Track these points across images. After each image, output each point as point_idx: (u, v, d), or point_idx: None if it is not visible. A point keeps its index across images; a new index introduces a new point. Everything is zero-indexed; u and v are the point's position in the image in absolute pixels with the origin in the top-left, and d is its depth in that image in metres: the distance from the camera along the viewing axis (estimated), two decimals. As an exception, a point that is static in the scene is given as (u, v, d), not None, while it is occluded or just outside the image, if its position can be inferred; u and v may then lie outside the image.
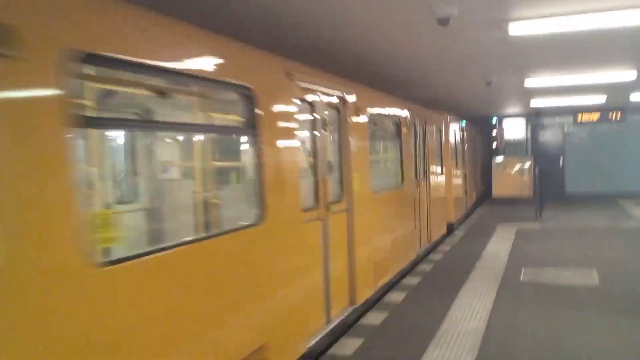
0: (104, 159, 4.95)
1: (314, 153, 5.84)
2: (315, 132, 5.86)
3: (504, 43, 7.00)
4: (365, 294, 6.92)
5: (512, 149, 20.78)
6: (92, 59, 2.82)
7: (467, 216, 15.89)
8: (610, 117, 18.91)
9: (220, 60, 3.98)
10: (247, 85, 4.23)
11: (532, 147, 21.02)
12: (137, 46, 3.17)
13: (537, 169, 15.39)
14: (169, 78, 3.72)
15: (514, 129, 21.56)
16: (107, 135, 5.18)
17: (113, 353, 2.81)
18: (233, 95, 4.34)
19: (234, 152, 5.78)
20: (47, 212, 2.49)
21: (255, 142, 4.36)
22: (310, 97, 5.71)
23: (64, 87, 2.57)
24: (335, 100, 6.35)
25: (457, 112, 16.76)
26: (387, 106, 8.71)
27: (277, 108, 4.78)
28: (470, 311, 6.65)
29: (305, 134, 5.74)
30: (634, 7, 5.48)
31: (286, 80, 5.03)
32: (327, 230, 5.89)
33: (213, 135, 5.24)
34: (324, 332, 5.69)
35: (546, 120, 20.92)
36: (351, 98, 6.67)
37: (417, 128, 10.58)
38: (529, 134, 21.25)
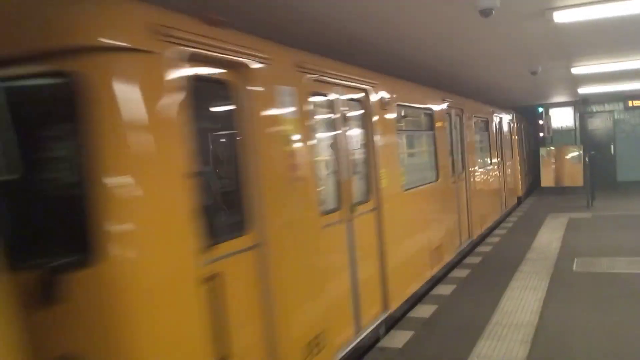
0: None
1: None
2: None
3: (548, 32, 6.91)
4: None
5: (561, 138, 20.28)
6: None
7: (513, 209, 15.65)
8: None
9: None
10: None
11: (581, 135, 20.49)
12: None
13: (587, 157, 15.04)
14: None
15: (562, 117, 21.05)
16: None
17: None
18: None
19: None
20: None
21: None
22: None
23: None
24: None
25: (503, 103, 16.55)
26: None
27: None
28: (522, 303, 6.62)
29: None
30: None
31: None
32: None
33: None
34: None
35: (595, 108, 20.36)
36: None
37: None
38: (577, 122, 20.73)
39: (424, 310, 6.66)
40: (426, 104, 8.54)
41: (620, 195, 16.82)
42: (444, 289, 7.57)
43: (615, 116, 20.26)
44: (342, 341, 5.07)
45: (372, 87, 6.24)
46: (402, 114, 7.59)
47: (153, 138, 2.98)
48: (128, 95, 2.88)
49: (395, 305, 6.34)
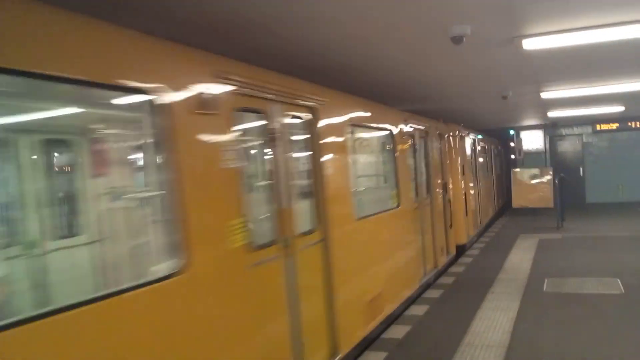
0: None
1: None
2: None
3: (517, 58, 7.13)
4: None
5: (532, 160, 20.73)
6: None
7: (486, 229, 15.87)
8: (629, 125, 18.84)
9: None
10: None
11: (551, 158, 20.97)
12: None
13: (557, 179, 15.37)
14: None
15: (533, 139, 21.54)
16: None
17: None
18: None
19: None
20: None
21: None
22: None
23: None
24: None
25: (475, 125, 16.85)
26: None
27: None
28: (493, 324, 6.71)
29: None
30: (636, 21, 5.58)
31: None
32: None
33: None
34: None
35: (564, 131, 20.90)
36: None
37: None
38: (547, 145, 21.21)
39: (397, 331, 6.71)
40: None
41: (589, 217, 17.18)
42: (417, 310, 7.63)
43: (584, 139, 20.81)
44: None
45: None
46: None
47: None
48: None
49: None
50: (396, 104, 9.62)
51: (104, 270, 4.42)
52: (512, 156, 21.45)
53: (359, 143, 7.53)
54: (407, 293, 7.88)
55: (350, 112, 6.44)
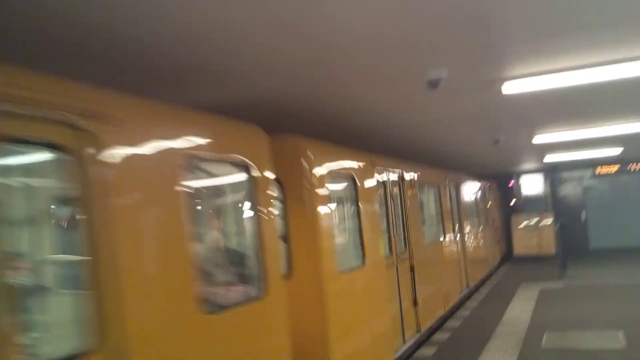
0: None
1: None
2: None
3: (501, 102, 6.87)
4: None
5: (532, 205, 20.34)
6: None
7: (486, 279, 15.34)
8: (629, 168, 18.52)
9: None
10: None
11: (552, 202, 20.56)
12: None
13: (558, 225, 14.95)
14: None
15: (533, 184, 21.21)
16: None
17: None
18: None
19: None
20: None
21: None
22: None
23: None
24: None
25: (472, 171, 16.58)
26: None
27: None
28: (487, 385, 6.23)
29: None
30: (626, 60, 5.34)
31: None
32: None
33: None
34: None
35: (564, 174, 20.54)
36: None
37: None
38: (548, 189, 20.85)
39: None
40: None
41: (593, 264, 16.66)
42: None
43: (585, 183, 20.46)
44: None
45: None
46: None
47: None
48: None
49: None
50: (384, 150, 9.30)
51: None
52: (512, 201, 21.11)
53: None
54: None
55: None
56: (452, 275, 11.41)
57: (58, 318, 3.38)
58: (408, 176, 9.25)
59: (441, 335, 8.94)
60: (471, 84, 5.98)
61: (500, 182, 21.21)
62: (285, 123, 5.87)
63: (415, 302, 8.42)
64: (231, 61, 4.50)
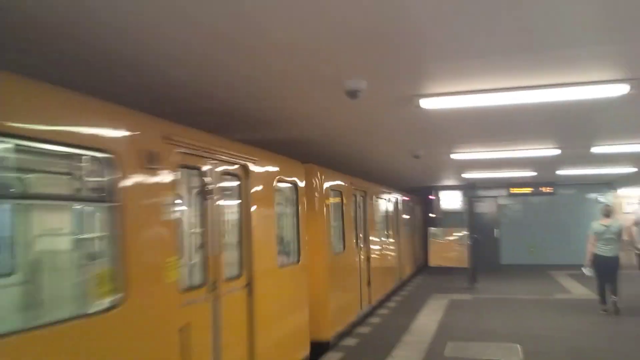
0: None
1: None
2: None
3: (420, 117, 7.09)
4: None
5: (450, 220, 21.02)
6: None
7: (401, 287, 15.70)
8: (541, 190, 19.49)
9: None
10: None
11: (469, 218, 21.32)
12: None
13: (471, 240, 15.54)
14: None
15: (452, 199, 21.92)
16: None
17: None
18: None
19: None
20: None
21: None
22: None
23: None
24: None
25: (396, 184, 16.96)
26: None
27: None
28: (387, 391, 6.37)
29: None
30: (545, 86, 5.63)
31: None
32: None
33: None
34: None
35: (481, 192, 21.40)
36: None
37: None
38: (465, 205, 21.61)
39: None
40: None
41: (502, 278, 17.43)
42: (312, 375, 7.20)
43: (499, 201, 21.37)
44: None
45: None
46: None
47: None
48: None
49: None
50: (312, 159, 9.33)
51: None
52: (431, 215, 21.73)
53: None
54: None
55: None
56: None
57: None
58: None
59: (350, 341, 9.06)
60: (390, 98, 6.13)
61: (421, 195, 21.80)
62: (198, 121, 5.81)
63: None
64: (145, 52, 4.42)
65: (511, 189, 19.75)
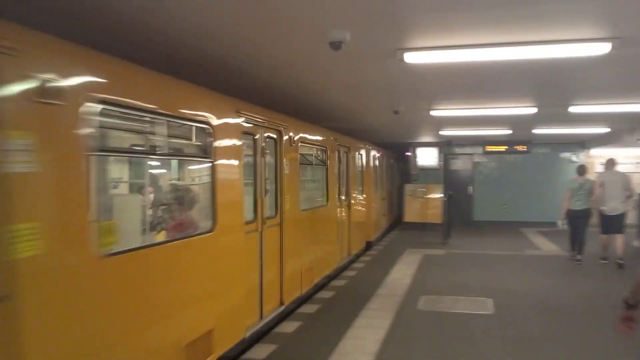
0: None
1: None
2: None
3: (402, 72, 7.01)
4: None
5: (427, 176, 21.19)
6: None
7: (383, 236, 16.00)
8: (516, 148, 19.70)
9: None
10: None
11: (445, 175, 21.54)
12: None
13: (445, 196, 15.71)
14: None
15: (429, 156, 22.01)
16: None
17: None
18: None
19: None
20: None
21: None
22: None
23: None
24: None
25: (374, 140, 16.94)
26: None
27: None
28: (362, 343, 6.48)
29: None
30: (527, 43, 5.58)
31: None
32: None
33: None
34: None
35: (457, 150, 21.54)
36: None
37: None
38: (441, 162, 21.78)
39: (261, 351, 6.31)
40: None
41: (475, 234, 17.74)
42: (288, 326, 7.29)
43: (475, 159, 21.55)
44: None
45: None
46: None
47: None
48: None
49: None
50: (292, 113, 9.19)
51: None
52: (408, 171, 21.87)
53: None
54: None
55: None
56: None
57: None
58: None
59: (325, 294, 9.18)
60: (373, 51, 6.02)
61: (398, 152, 21.86)
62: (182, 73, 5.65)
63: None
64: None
65: (487, 146, 19.93)
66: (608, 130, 15.16)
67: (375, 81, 7.99)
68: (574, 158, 20.21)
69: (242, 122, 6.26)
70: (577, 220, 12.05)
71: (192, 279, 5.09)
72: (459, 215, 18.42)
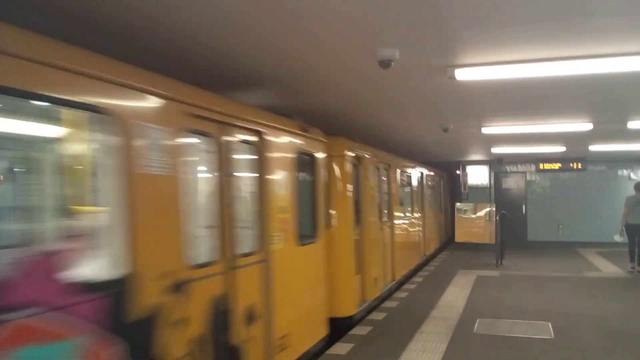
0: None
1: None
2: None
3: (453, 89, 6.91)
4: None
5: (477, 195, 20.80)
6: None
7: (426, 263, 15.61)
8: (571, 166, 19.13)
9: None
10: None
11: (495, 194, 21.08)
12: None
13: (498, 216, 15.33)
14: None
15: (478, 175, 21.64)
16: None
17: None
18: None
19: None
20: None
21: None
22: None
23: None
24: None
25: (424, 159, 16.77)
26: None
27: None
28: (417, 367, 6.32)
29: None
30: (583, 57, 5.41)
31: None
32: None
33: None
34: None
35: (509, 168, 21.07)
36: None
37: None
38: (492, 181, 21.35)
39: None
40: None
41: (530, 255, 17.20)
42: (340, 348, 7.17)
43: (528, 177, 21.03)
44: None
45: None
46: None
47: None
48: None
49: None
50: (339, 131, 9.16)
51: None
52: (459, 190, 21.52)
53: None
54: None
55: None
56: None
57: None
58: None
59: (377, 315, 9.03)
60: (423, 68, 5.96)
61: (448, 170, 21.55)
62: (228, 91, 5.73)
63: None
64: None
65: (540, 164, 19.42)
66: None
67: (424, 98, 7.91)
68: (632, 175, 19.46)
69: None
70: (634, 233, 12.78)
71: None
72: (512, 235, 17.93)
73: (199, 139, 4.62)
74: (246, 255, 5.12)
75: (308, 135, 6.92)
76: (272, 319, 5.50)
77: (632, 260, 13.02)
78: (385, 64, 5.18)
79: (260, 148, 5.54)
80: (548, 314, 8.87)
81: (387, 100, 8.15)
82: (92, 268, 3.32)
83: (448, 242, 20.23)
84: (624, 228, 12.97)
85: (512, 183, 21.44)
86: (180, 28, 4.53)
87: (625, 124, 10.14)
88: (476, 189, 21.24)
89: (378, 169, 10.68)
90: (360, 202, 9.44)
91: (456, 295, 10.65)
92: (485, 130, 10.89)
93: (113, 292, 3.36)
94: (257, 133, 5.49)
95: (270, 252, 5.57)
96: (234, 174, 5.01)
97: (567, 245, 18.90)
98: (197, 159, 4.68)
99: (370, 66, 5.41)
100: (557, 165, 19.40)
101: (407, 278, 12.78)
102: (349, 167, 8.64)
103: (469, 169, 21.36)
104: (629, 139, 12.86)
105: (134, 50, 4.99)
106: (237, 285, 4.86)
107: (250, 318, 5.12)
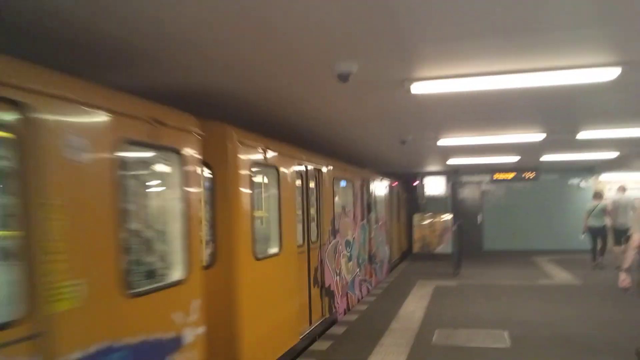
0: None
1: None
2: None
3: (410, 102, 6.96)
4: None
5: (434, 206, 21.05)
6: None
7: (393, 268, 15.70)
8: (524, 176, 19.53)
9: None
10: None
11: (452, 204, 21.39)
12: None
13: (455, 226, 15.54)
14: None
15: (436, 185, 21.92)
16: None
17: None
18: None
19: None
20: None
21: None
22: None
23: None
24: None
25: (381, 170, 16.87)
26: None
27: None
28: (377, 380, 6.29)
29: None
30: (534, 70, 5.52)
31: None
32: None
33: None
34: None
35: (465, 178, 21.43)
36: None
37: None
38: (449, 191, 21.66)
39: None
40: None
41: (485, 264, 17.48)
42: (300, 364, 7.10)
43: (483, 187, 21.42)
44: None
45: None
46: None
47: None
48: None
49: None
50: (300, 143, 9.10)
51: None
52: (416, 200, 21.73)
53: None
54: None
55: None
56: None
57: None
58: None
59: (337, 329, 8.98)
60: (381, 82, 5.99)
61: (404, 181, 21.73)
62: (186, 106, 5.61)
63: None
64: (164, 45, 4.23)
65: (495, 174, 19.78)
66: (617, 154, 15.02)
67: (382, 111, 7.96)
68: (582, 184, 20.05)
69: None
70: (595, 234, 15.22)
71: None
72: (469, 245, 18.19)
73: None
74: None
75: None
76: None
77: (594, 259, 15.31)
78: (344, 77, 5.17)
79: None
80: (505, 322, 9.00)
81: (345, 114, 8.16)
82: None
83: (407, 252, 20.36)
84: (587, 230, 15.32)
85: (468, 193, 21.81)
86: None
87: (575, 135, 10.43)
88: (434, 199, 21.51)
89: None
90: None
91: (415, 306, 10.70)
92: (442, 142, 11.03)
93: None
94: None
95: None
96: None
97: (522, 254, 19.30)
98: None
99: (329, 80, 5.40)
100: (510, 175, 19.77)
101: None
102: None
103: (427, 180, 21.62)
104: (580, 148, 13.23)
105: None
106: None
107: None
